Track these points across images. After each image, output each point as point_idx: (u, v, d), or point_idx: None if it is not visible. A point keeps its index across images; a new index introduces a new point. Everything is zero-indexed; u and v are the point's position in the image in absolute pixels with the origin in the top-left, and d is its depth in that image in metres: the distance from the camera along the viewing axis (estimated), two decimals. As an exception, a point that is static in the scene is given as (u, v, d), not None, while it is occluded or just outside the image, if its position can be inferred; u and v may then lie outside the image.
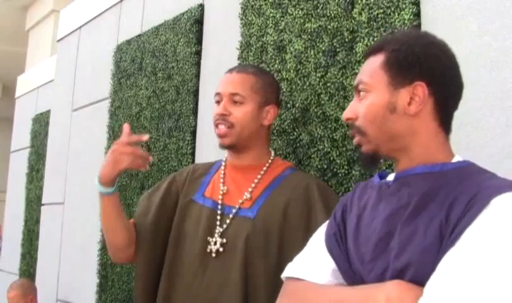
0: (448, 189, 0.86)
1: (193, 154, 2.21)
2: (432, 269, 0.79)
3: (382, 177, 1.03)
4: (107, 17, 3.09)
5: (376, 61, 0.97)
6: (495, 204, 0.79)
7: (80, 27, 3.40)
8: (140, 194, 2.46)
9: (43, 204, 3.64)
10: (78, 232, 3.05)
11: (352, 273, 0.95)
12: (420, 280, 0.81)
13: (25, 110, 4.82)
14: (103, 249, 2.63)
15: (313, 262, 1.01)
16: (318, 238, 1.06)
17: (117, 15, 2.99)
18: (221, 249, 1.36)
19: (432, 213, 0.85)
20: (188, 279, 1.39)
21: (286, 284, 1.03)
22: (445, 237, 0.81)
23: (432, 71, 0.94)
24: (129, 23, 2.88)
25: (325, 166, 1.62)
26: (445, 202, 0.84)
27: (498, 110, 1.27)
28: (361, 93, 0.98)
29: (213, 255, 1.37)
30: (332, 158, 1.61)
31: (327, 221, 1.08)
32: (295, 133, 1.74)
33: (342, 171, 1.57)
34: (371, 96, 0.96)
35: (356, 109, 0.98)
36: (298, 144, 1.73)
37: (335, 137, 1.61)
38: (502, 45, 1.27)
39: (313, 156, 1.67)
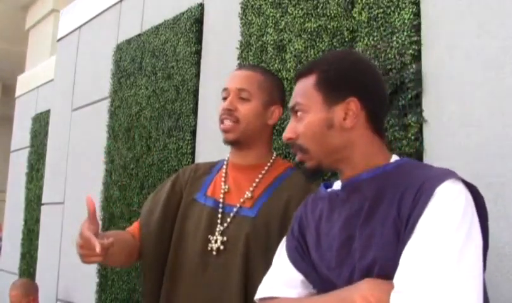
0: (394, 187, 0.94)
1: (192, 153, 2.21)
2: (395, 262, 0.86)
3: (328, 186, 1.10)
4: (107, 17, 3.09)
5: (308, 82, 1.04)
6: (439, 193, 0.87)
7: (80, 27, 3.40)
8: (140, 194, 2.46)
9: (43, 204, 3.64)
10: (78, 232, 3.05)
11: (320, 280, 1.01)
12: (386, 274, 0.87)
13: (25, 109, 4.82)
14: (103, 249, 2.63)
15: (281, 278, 1.07)
16: (281, 255, 1.11)
17: (117, 15, 2.99)
18: (222, 247, 1.36)
19: (385, 212, 0.92)
20: (189, 278, 1.39)
21: None
22: (401, 231, 0.88)
23: (361, 86, 1.02)
24: (129, 22, 2.88)
25: (325, 166, 1.62)
26: (394, 199, 0.92)
27: (498, 110, 1.26)
28: (299, 114, 1.04)
29: (214, 253, 1.37)
30: (332, 158, 1.61)
31: (284, 238, 1.13)
32: (295, 133, 1.74)
33: (342, 171, 1.57)
34: (309, 116, 1.03)
35: (295, 129, 1.04)
36: (298, 144, 1.73)
37: (335, 137, 1.61)
38: (502, 45, 1.27)
39: (313, 156, 1.67)
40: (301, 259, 1.06)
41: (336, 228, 1.00)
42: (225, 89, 1.46)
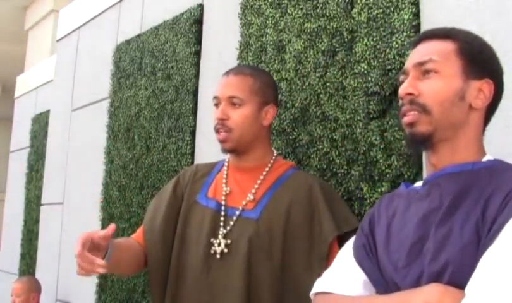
0: (480, 186, 0.86)
1: (192, 154, 2.21)
2: (471, 269, 0.77)
3: (408, 186, 1.03)
4: (107, 17, 3.09)
5: (446, 45, 0.96)
6: None
7: (80, 27, 3.40)
8: (140, 195, 2.46)
9: (43, 204, 3.64)
10: (78, 232, 3.04)
11: (384, 282, 0.93)
12: (458, 282, 0.79)
13: (25, 110, 4.82)
14: (103, 249, 2.63)
15: (342, 276, 1.00)
16: (346, 252, 1.04)
17: (117, 15, 2.99)
18: (225, 250, 1.36)
19: (467, 212, 0.84)
20: (192, 281, 1.38)
21: (314, 300, 1.02)
22: (483, 234, 0.80)
23: (497, 72, 0.97)
24: (128, 23, 2.88)
25: (325, 166, 1.62)
26: (479, 199, 0.84)
27: (498, 110, 1.26)
28: (430, 73, 0.95)
29: (218, 256, 1.36)
30: (331, 158, 1.61)
31: (354, 236, 1.05)
32: (294, 133, 1.74)
33: (342, 171, 1.57)
34: (443, 78, 0.94)
35: (418, 86, 0.95)
36: (298, 144, 1.73)
37: (334, 137, 1.61)
38: (502, 45, 1.27)
39: (312, 156, 1.67)
40: (367, 257, 0.98)
41: (410, 226, 0.92)
42: (215, 97, 1.44)
